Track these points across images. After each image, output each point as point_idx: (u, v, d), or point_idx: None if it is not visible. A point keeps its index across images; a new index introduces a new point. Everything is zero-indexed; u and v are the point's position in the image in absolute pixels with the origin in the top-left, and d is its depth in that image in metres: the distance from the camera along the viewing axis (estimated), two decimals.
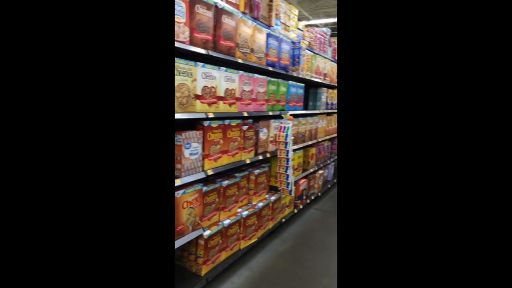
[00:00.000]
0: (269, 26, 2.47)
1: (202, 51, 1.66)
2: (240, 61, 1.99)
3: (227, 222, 2.03)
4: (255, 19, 2.26)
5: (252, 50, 2.12)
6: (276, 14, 2.57)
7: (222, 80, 1.84)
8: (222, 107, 1.87)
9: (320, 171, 3.76)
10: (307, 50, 3.01)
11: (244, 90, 2.07)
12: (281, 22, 2.66)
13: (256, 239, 2.38)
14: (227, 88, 1.89)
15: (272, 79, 2.43)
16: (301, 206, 3.19)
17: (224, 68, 1.85)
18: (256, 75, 2.19)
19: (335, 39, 4.10)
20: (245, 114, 2.10)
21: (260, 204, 2.39)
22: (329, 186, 4.11)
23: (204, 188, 1.85)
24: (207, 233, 1.85)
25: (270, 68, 2.37)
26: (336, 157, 4.40)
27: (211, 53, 1.73)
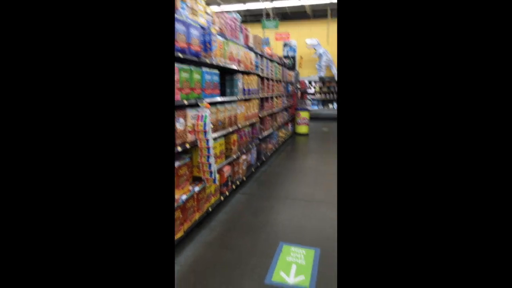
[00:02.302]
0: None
1: None
2: None
3: None
4: None
5: None
6: None
7: None
8: None
9: (244, 157, 3.84)
10: (218, 36, 2.97)
11: None
12: (187, 6, 2.53)
13: (182, 233, 2.31)
14: None
15: (184, 66, 2.32)
16: (227, 193, 3.23)
17: None
18: None
19: (246, 26, 4.16)
20: None
21: (184, 197, 2.31)
22: (253, 170, 4.26)
23: None
24: None
25: (180, 55, 2.25)
26: (258, 141, 4.57)
27: None
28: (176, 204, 2.19)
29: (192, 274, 1.97)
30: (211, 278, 1.93)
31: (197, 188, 2.53)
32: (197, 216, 2.56)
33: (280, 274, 1.99)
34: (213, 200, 2.92)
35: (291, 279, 1.94)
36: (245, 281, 1.90)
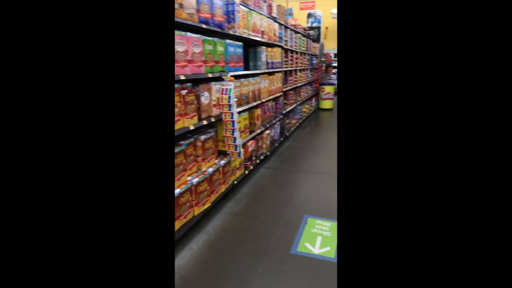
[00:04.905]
0: None
1: None
2: None
3: (177, 191, 1.97)
4: None
5: (181, 6, 1.93)
6: None
7: None
8: None
9: (267, 131, 3.83)
10: (241, 6, 2.86)
11: (178, 51, 1.91)
12: None
13: (210, 204, 2.39)
14: None
15: (208, 38, 2.28)
16: (251, 167, 3.26)
17: None
18: (189, 34, 2.02)
19: None
20: (182, 78, 1.96)
21: (210, 170, 2.37)
22: (276, 145, 4.25)
23: None
24: None
25: (204, 26, 2.20)
26: (281, 116, 4.51)
27: None
28: (203, 176, 2.25)
29: (221, 242, 2.06)
30: (238, 246, 2.01)
31: (222, 162, 2.58)
32: (223, 188, 2.63)
33: (305, 245, 2.02)
34: (238, 173, 2.97)
35: (316, 250, 1.97)
36: (271, 250, 1.96)
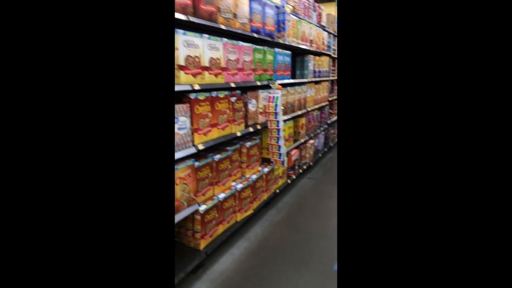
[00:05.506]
0: None
1: (182, 16, 1.54)
2: (223, 27, 1.87)
3: (222, 196, 2.01)
4: None
5: (235, 16, 2.00)
6: None
7: (206, 48, 1.73)
8: (208, 78, 1.78)
9: (311, 141, 3.76)
10: (292, 15, 2.88)
11: (230, 59, 1.97)
12: None
13: (252, 211, 2.39)
14: (211, 57, 1.79)
15: (258, 46, 2.33)
16: (294, 176, 3.21)
17: (207, 36, 1.73)
18: (241, 43, 2.08)
19: (319, 4, 3.95)
20: (233, 85, 2.01)
21: (254, 177, 2.38)
22: (320, 155, 4.14)
23: (196, 164, 1.81)
24: (202, 208, 1.83)
25: (255, 35, 2.25)
26: (326, 126, 4.40)
27: (191, 19, 1.61)
28: (246, 183, 2.27)
29: (262, 250, 2.04)
30: (279, 255, 1.97)
31: (266, 170, 2.58)
32: (265, 196, 2.62)
33: None
34: (280, 182, 2.94)
35: None
36: (313, 264, 1.89)
